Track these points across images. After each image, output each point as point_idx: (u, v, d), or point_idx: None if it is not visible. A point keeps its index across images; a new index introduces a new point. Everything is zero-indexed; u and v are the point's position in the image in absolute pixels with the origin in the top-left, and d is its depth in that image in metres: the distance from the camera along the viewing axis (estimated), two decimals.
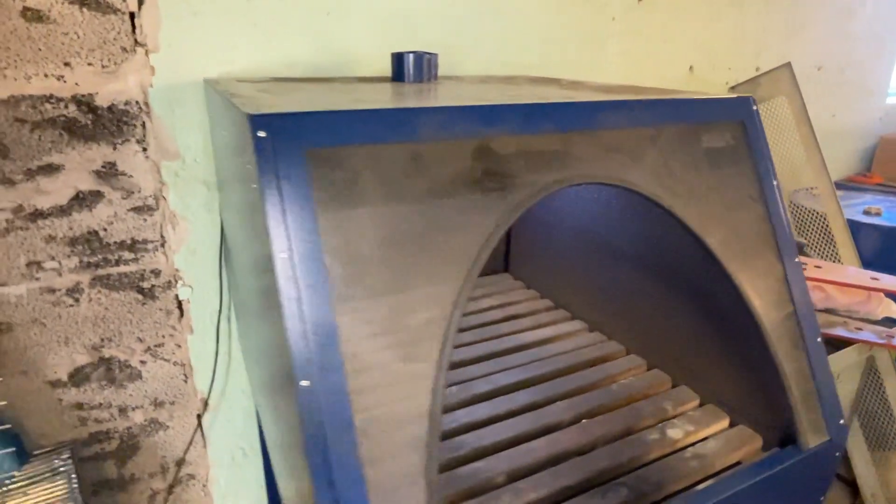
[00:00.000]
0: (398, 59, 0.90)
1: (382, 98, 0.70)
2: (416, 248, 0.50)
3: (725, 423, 0.79)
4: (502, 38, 1.22)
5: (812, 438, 0.69)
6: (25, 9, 0.83)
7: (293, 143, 0.47)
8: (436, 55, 0.94)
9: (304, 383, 0.44)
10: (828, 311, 1.20)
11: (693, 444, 0.75)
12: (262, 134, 0.46)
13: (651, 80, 1.44)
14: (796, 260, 0.73)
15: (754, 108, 0.75)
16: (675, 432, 0.76)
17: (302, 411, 0.43)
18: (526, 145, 0.58)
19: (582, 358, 0.94)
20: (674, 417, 0.80)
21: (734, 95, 0.74)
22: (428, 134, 0.52)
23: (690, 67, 1.50)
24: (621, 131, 0.63)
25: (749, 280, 0.68)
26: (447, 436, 0.75)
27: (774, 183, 0.74)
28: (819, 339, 0.71)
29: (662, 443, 0.75)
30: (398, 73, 0.91)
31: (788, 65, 1.46)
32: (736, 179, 0.71)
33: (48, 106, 0.87)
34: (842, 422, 0.72)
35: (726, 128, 0.72)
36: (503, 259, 1.28)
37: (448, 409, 0.81)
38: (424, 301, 0.50)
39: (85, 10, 0.86)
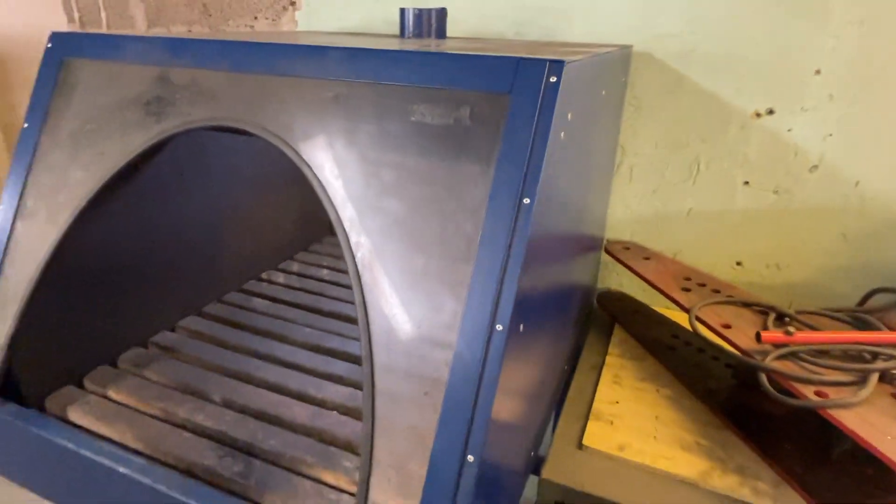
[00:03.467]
0: (402, 14, 0.90)
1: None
2: (86, 141, 0.64)
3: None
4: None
5: None
6: None
7: (57, 52, 0.67)
8: (443, 10, 0.89)
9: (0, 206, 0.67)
10: None
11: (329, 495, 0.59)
12: (49, 45, 0.69)
13: None
14: (499, 329, 0.44)
15: (552, 79, 0.46)
16: (333, 480, 0.61)
17: None
18: (200, 79, 0.59)
19: None
20: None
21: (519, 56, 0.47)
22: (130, 58, 0.63)
23: None
24: (306, 81, 0.54)
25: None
26: (246, 352, 0.83)
27: (525, 201, 0.45)
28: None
29: (337, 470, 0.61)
30: (402, 29, 0.91)
31: None
32: (450, 177, 0.48)
33: None
34: None
35: (472, 100, 0.48)
36: None
37: (281, 339, 0.86)
38: (74, 183, 0.64)
39: None
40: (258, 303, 0.98)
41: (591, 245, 0.95)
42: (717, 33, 0.92)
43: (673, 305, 1.02)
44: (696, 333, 0.77)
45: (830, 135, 0.91)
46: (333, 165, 0.51)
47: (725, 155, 0.98)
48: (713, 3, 0.91)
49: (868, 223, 0.93)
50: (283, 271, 1.10)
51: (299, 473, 0.63)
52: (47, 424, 0.64)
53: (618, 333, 1.01)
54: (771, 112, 0.93)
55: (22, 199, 0.66)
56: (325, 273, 1.10)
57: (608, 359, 0.94)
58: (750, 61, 0.91)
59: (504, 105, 0.47)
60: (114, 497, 0.58)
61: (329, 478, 0.62)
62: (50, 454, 0.62)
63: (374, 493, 0.48)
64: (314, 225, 1.24)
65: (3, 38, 1.85)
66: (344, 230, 0.50)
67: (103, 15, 1.47)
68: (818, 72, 0.89)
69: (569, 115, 0.50)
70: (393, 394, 0.47)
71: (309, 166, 0.52)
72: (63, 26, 1.59)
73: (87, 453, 0.58)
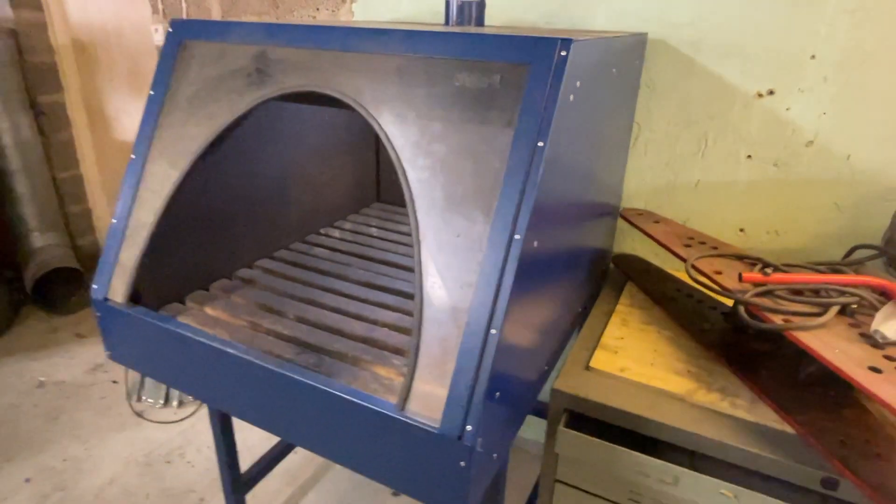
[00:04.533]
0: (447, 4, 1.06)
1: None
2: (199, 104, 0.82)
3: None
4: None
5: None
6: None
7: (177, 35, 0.86)
8: (482, 2, 1.04)
9: (133, 156, 0.86)
10: None
11: (384, 380, 0.75)
12: (170, 29, 0.87)
13: None
14: (517, 238, 0.60)
15: (563, 53, 0.61)
16: (385, 373, 0.77)
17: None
18: (290, 56, 0.76)
19: None
20: None
21: (538, 35, 0.62)
22: (235, 39, 0.80)
23: None
24: (373, 56, 0.70)
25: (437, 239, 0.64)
26: (312, 285, 1.01)
27: (539, 144, 0.60)
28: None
29: (389, 366, 0.78)
30: (446, 17, 1.07)
31: None
32: (483, 128, 0.63)
33: None
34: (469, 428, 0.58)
35: (501, 69, 0.63)
36: None
37: (340, 277, 1.04)
38: (190, 137, 0.82)
39: None
40: (319, 251, 1.16)
41: (606, 209, 1.09)
42: (725, 22, 1.04)
43: (681, 266, 1.15)
44: (693, 282, 0.91)
45: (824, 113, 1.02)
46: (395, 120, 0.68)
47: (730, 131, 1.10)
48: None
49: (858, 193, 1.03)
50: (339, 228, 1.28)
51: (360, 367, 0.79)
52: (168, 321, 0.83)
53: (629, 289, 1.15)
54: (771, 93, 1.05)
55: (150, 149, 0.85)
56: (374, 231, 1.27)
57: (619, 307, 1.07)
58: (753, 47, 1.03)
59: (526, 73, 0.62)
60: (221, 372, 0.76)
61: (382, 371, 0.78)
62: (171, 343, 0.80)
63: (417, 382, 0.64)
64: (365, 192, 1.41)
65: (91, 28, 2.09)
66: (402, 167, 0.66)
67: (184, 6, 1.67)
68: (813, 56, 1.00)
69: (577, 83, 0.65)
70: (438, 287, 0.63)
71: (376, 121, 0.68)
72: (147, 17, 1.81)
73: (202, 339, 0.77)
